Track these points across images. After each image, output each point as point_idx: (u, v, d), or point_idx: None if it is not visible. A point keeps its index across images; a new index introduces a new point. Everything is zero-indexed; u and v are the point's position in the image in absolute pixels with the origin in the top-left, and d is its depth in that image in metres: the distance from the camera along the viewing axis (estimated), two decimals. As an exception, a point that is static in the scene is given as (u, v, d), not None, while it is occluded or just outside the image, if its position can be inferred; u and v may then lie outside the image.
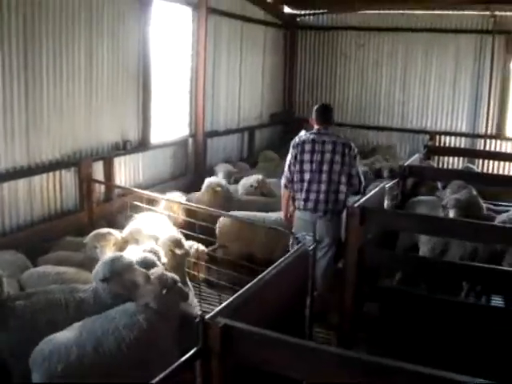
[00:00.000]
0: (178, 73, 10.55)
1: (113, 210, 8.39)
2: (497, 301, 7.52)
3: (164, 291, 4.81)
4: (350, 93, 14.53)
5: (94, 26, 8.10)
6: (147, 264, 5.28)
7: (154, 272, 5.06)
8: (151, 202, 7.88)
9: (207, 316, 3.47)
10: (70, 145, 7.91)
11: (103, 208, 8.35)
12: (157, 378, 3.22)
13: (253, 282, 4.12)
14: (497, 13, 12.62)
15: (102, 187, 8.49)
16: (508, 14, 12.65)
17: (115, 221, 8.02)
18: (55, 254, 6.69)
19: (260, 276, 4.22)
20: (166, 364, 4.37)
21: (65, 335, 4.48)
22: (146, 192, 7.92)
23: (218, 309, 3.61)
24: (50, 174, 7.65)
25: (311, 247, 5.04)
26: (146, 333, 4.64)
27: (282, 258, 4.63)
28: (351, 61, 14.41)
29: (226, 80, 12.08)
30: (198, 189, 9.34)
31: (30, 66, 7.10)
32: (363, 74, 14.34)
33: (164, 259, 5.67)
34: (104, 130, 8.56)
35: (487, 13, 12.69)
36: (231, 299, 3.82)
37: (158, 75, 9.78)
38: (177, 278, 5.05)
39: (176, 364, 3.40)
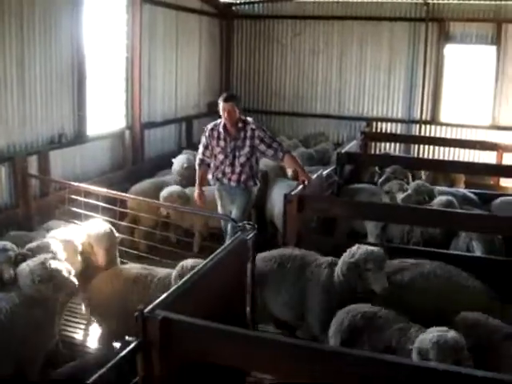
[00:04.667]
0: (114, 64, 10.39)
1: (50, 204, 8.24)
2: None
3: (37, 279, 4.85)
4: (287, 81, 14.55)
5: (24, 19, 7.90)
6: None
7: (36, 259, 5.15)
8: (89, 195, 7.76)
9: (146, 309, 3.46)
10: (2, 139, 7.73)
11: (40, 203, 8.17)
12: (97, 374, 3.20)
13: (191, 272, 4.13)
14: (429, 1, 12.82)
15: (38, 182, 8.33)
16: (440, 2, 12.87)
17: (53, 215, 7.91)
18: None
19: (199, 266, 4.23)
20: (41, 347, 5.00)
21: None
22: (83, 185, 7.78)
23: (157, 301, 3.60)
24: (-16, 169, 7.49)
25: (250, 235, 5.06)
26: (20, 308, 4.85)
27: (221, 248, 4.64)
28: (288, 49, 14.41)
29: (163, 70, 11.94)
30: (136, 181, 9.31)
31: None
32: (300, 62, 14.37)
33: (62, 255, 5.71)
34: (38, 123, 8.38)
35: (420, 1, 12.88)
36: (170, 291, 3.81)
37: (93, 67, 9.60)
38: (61, 268, 5.14)
39: (117, 357, 3.38)
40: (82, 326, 6.64)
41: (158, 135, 11.85)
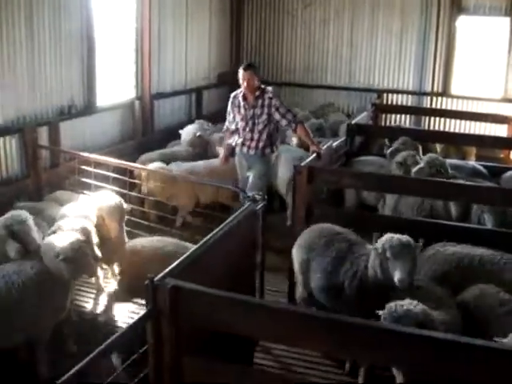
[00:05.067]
0: (123, 34, 10.33)
1: (60, 175, 8.26)
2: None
3: (60, 257, 4.84)
4: (298, 52, 14.46)
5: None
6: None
7: (67, 236, 5.14)
8: (98, 165, 7.77)
9: (156, 278, 3.47)
10: (13, 111, 7.74)
11: (50, 174, 8.19)
12: (108, 341, 3.23)
13: (201, 242, 4.13)
14: (442, -29, 12.69)
15: (49, 152, 8.34)
16: (453, -28, 12.72)
17: (63, 186, 7.94)
18: None
19: (209, 236, 4.23)
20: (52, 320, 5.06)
21: None
22: (92, 155, 7.79)
23: (166, 270, 3.61)
24: (-6, 140, 7.49)
25: (259, 206, 5.06)
26: (33, 282, 4.87)
27: (231, 217, 4.64)
28: (298, 20, 14.28)
29: (173, 40, 11.86)
30: (146, 151, 9.32)
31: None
32: (310, 33, 14.25)
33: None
34: (48, 94, 8.37)
35: (433, -29, 12.75)
36: (180, 260, 3.82)
37: (103, 37, 9.56)
38: (88, 253, 5.12)
39: (127, 326, 3.42)
40: (92, 296, 6.69)
41: (168, 106, 11.82)
